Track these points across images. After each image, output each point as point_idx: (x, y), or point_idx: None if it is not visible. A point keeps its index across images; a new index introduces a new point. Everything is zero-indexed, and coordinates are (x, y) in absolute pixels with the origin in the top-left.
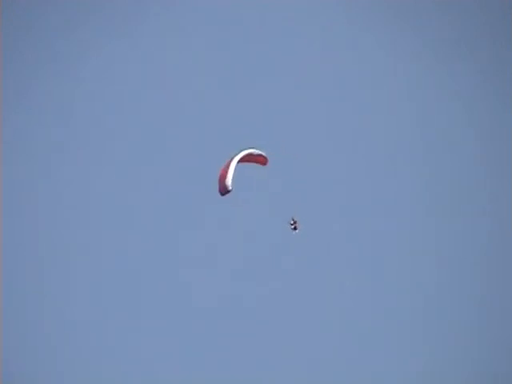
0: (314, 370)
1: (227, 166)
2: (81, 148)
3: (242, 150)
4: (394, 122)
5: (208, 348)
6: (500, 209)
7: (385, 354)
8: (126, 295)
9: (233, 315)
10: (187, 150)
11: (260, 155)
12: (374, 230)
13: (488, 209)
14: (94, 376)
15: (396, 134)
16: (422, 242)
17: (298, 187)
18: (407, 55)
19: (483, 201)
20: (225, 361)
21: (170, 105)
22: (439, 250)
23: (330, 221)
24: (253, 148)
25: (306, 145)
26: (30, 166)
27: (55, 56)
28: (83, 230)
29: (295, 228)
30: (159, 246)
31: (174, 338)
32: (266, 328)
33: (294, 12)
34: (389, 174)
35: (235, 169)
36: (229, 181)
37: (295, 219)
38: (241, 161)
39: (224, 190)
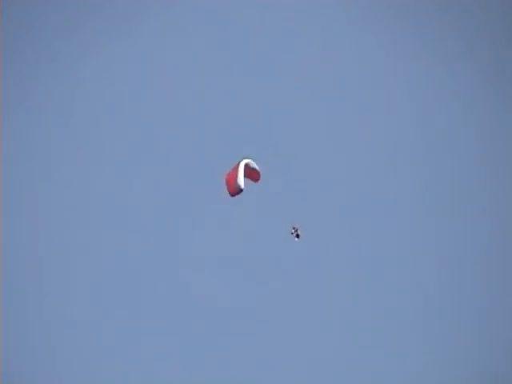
0: (314, 369)
1: (234, 170)
2: (81, 148)
3: (242, 157)
4: (394, 121)
5: (208, 348)
6: (500, 209)
7: (385, 353)
8: (126, 295)
9: (233, 315)
10: (187, 150)
11: (254, 169)
12: (374, 230)
13: (488, 209)
14: (94, 376)
15: (396, 133)
16: (422, 241)
17: (298, 187)
18: (407, 55)
19: (483, 201)
20: (225, 361)
21: (169, 105)
22: (439, 250)
23: (330, 221)
24: (252, 159)
25: (306, 144)
26: (30, 166)
27: (55, 56)
28: (83, 229)
29: (297, 236)
30: (159, 246)
31: (174, 338)
32: (266, 328)
33: (294, 12)
34: (389, 174)
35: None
36: (240, 180)
37: (296, 227)
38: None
39: (236, 190)
